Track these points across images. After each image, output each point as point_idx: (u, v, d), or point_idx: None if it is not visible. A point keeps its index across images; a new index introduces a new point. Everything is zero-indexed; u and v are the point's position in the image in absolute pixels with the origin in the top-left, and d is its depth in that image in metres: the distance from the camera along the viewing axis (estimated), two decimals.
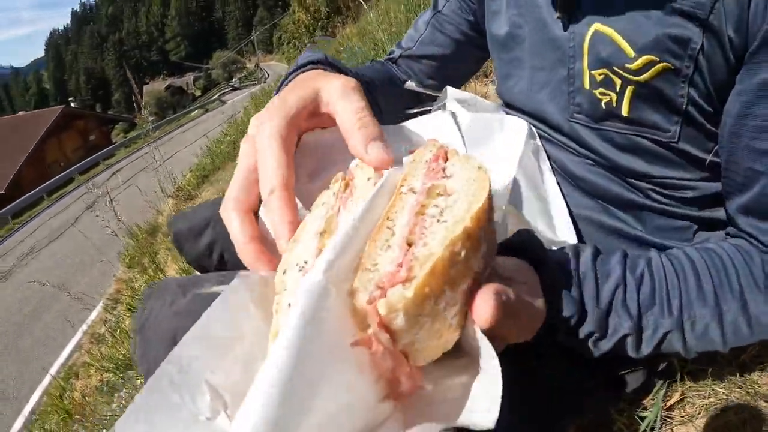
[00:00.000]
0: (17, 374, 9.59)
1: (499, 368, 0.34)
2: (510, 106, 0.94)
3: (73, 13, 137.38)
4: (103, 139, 45.53)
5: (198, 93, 77.15)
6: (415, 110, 0.97)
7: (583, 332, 0.57)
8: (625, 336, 0.58)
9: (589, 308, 0.56)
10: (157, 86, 75.85)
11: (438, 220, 0.36)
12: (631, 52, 0.64)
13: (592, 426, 0.97)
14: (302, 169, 0.52)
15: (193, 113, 42.07)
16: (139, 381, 2.24)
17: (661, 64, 0.63)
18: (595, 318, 0.56)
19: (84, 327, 7.30)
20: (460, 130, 0.70)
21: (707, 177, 0.70)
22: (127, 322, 3.67)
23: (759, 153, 0.58)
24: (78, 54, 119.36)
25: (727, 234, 0.68)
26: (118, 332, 3.59)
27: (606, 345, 0.58)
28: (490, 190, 0.38)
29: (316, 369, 0.33)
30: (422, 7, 7.48)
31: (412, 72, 1.07)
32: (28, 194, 26.05)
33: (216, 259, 0.94)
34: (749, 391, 0.98)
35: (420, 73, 1.07)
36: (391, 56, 1.09)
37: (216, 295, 0.41)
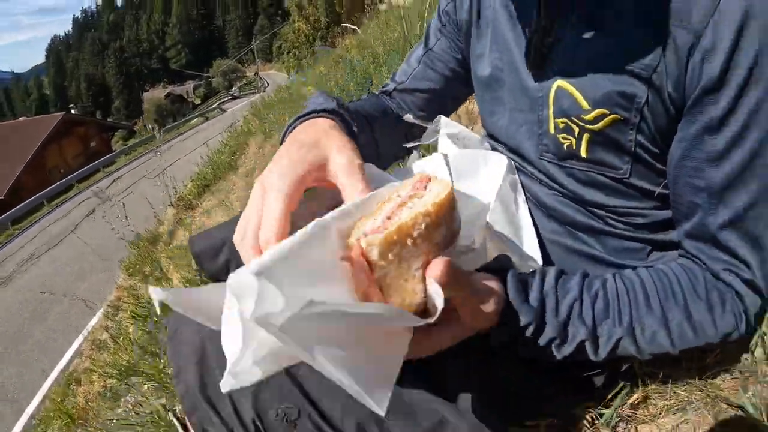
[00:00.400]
0: (17, 378, 9.65)
1: (442, 306, 0.50)
2: (493, 138, 1.03)
3: (75, 20, 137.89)
4: (103, 146, 45.60)
5: (198, 101, 77.40)
6: (410, 145, 1.07)
7: (544, 339, 0.68)
8: (582, 341, 0.69)
9: (549, 319, 0.67)
10: (157, 94, 76.20)
11: (410, 208, 0.52)
12: (586, 106, 0.75)
13: (558, 425, 1.07)
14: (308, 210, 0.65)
15: (192, 121, 42.26)
16: (146, 386, 2.33)
17: (612, 116, 0.73)
18: (555, 327, 0.68)
19: (84, 333, 7.38)
20: (449, 166, 0.81)
21: (657, 206, 0.81)
22: (130, 329, 3.71)
23: (697, 189, 0.70)
24: (79, 60, 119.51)
25: (679, 254, 0.79)
26: (121, 339, 3.65)
27: (567, 349, 0.69)
28: (451, 194, 0.53)
29: (315, 256, 0.49)
30: (419, 21, 7.62)
31: (405, 104, 1.16)
32: (28, 200, 26.08)
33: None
34: (710, 393, 1.07)
35: (412, 105, 1.16)
36: (385, 89, 1.18)
37: None
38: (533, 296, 0.68)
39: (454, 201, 0.54)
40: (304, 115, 0.80)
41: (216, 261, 1.04)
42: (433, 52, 1.12)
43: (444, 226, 0.53)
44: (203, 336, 0.78)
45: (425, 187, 0.56)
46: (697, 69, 0.65)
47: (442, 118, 1.05)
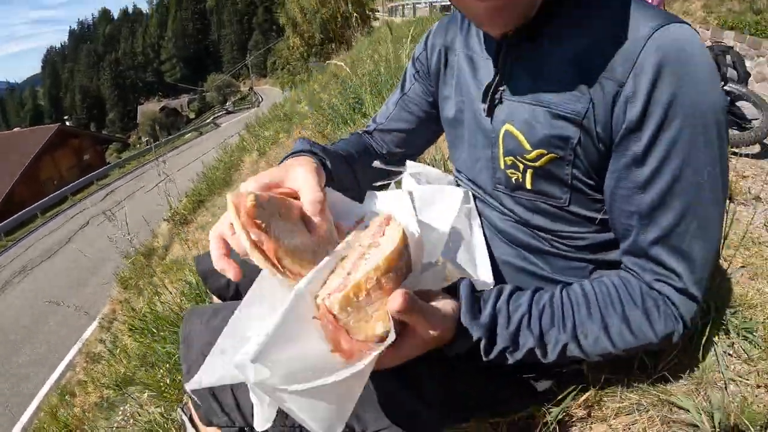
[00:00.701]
0: (9, 390, 9.64)
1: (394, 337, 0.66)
2: (458, 171, 1.19)
3: (71, 32, 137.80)
4: (97, 158, 45.55)
5: (192, 115, 77.25)
6: (380, 183, 1.23)
7: (497, 349, 0.82)
8: (531, 348, 0.83)
9: (500, 331, 0.82)
10: (151, 107, 75.92)
11: (367, 260, 0.68)
12: (528, 147, 0.90)
13: (517, 422, 1.21)
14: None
15: (186, 136, 42.29)
16: (145, 394, 2.42)
17: (550, 155, 0.88)
18: (506, 337, 0.82)
19: (79, 345, 7.43)
20: (413, 200, 0.96)
21: (597, 230, 0.95)
22: (126, 341, 3.80)
23: (629, 213, 0.84)
24: (74, 72, 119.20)
25: (620, 269, 0.93)
26: (117, 351, 3.74)
27: (518, 355, 0.84)
28: (403, 236, 0.69)
29: (296, 328, 0.65)
30: (409, 40, 7.74)
31: (384, 142, 1.32)
32: (22, 212, 26.04)
33: (232, 290, 1.23)
34: (660, 397, 1.22)
35: (390, 143, 1.32)
36: (367, 129, 1.34)
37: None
38: (486, 312, 0.83)
39: (406, 239, 0.69)
40: (288, 155, 0.98)
41: (219, 280, 1.22)
42: (407, 96, 1.27)
43: (396, 266, 0.67)
44: (210, 340, 0.91)
45: (383, 233, 0.72)
46: (622, 112, 0.79)
47: (407, 161, 1.20)
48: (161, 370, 2.11)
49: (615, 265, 0.95)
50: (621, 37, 0.79)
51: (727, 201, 2.24)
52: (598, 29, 0.82)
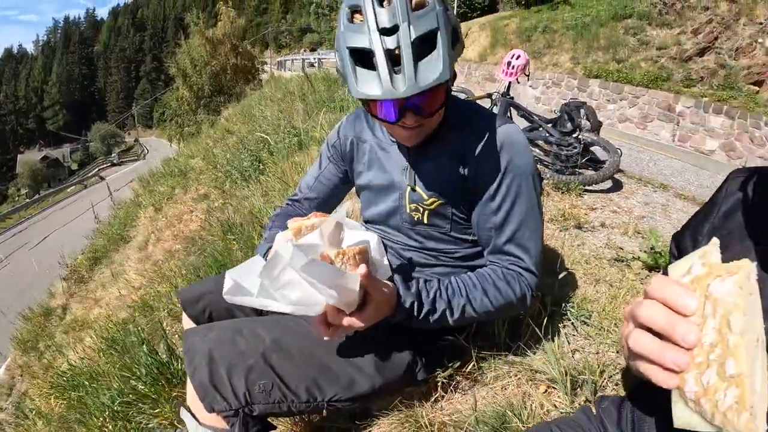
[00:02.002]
0: None
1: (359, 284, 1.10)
2: (369, 222, 1.66)
3: None
4: None
5: (75, 166, 73.14)
6: None
7: (423, 311, 1.29)
8: (444, 310, 1.33)
9: (424, 298, 1.30)
10: (32, 156, 71.23)
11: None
12: (425, 197, 1.44)
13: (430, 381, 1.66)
14: None
15: (69, 189, 40.04)
16: None
17: (439, 201, 1.43)
18: (428, 302, 1.30)
19: None
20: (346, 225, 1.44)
21: (467, 247, 1.52)
22: (38, 402, 3.78)
23: (489, 228, 1.42)
24: None
25: (487, 263, 1.48)
26: (32, 415, 3.55)
27: (436, 316, 1.31)
28: (365, 248, 1.16)
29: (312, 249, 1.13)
30: (295, 88, 8.14)
31: (309, 207, 1.73)
32: None
33: (206, 317, 1.61)
34: (524, 364, 1.74)
35: (312, 207, 1.73)
36: (296, 198, 1.76)
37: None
38: (413, 289, 1.30)
39: (368, 249, 1.18)
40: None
41: (196, 307, 1.62)
42: (323, 172, 1.71)
43: (364, 257, 1.13)
44: (211, 347, 1.29)
45: (358, 247, 1.16)
46: (482, 173, 1.37)
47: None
48: (98, 420, 2.24)
49: (478, 268, 1.51)
50: (481, 133, 1.37)
51: (577, 229, 2.94)
52: (467, 129, 1.40)
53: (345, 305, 1.12)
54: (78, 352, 3.46)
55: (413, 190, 1.45)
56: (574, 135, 4.80)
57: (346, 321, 1.13)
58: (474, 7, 24.37)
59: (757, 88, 12.21)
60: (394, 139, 1.48)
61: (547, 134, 4.89)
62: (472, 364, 1.70)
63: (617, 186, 4.65)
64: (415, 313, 1.28)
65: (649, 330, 0.59)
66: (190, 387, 1.30)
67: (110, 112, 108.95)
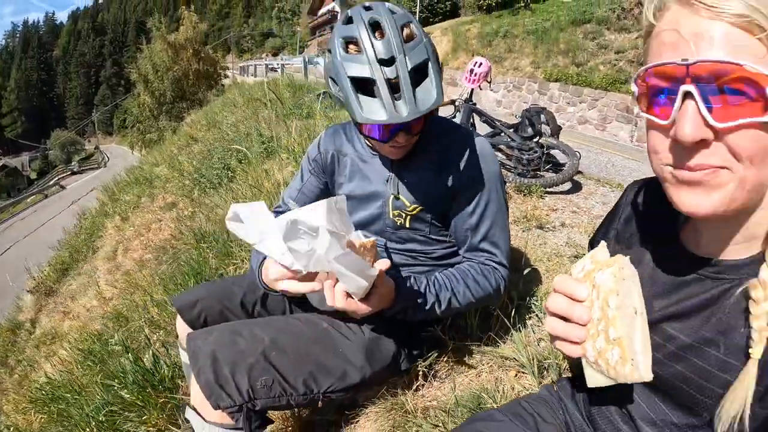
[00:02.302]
0: None
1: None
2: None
3: None
4: None
5: (34, 175, 71.26)
6: None
7: (414, 302, 1.46)
8: (433, 302, 1.48)
9: (417, 293, 1.45)
10: None
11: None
12: (408, 204, 1.57)
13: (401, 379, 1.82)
14: None
15: (29, 199, 39.01)
16: None
17: (420, 207, 1.57)
18: (420, 297, 1.46)
19: None
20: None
21: (444, 248, 1.68)
22: (17, 420, 3.70)
23: (465, 229, 1.60)
24: None
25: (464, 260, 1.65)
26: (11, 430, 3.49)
27: (426, 306, 1.50)
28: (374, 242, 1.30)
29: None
30: (260, 93, 8.16)
31: None
32: None
33: (201, 321, 1.70)
34: (495, 352, 1.91)
35: None
36: (280, 210, 1.81)
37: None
38: (408, 284, 1.46)
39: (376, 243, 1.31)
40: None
41: (192, 313, 1.71)
42: (305, 185, 1.81)
43: (374, 251, 1.29)
44: (213, 348, 1.38)
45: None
46: (455, 179, 1.53)
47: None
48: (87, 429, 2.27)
49: (451, 266, 1.67)
50: (458, 146, 1.57)
51: (539, 229, 3.13)
52: (444, 142, 1.56)
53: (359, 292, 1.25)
54: (54, 365, 3.44)
55: (396, 198, 1.59)
56: (535, 140, 4.97)
57: (354, 306, 1.27)
58: (436, 12, 24.58)
59: None
60: (374, 153, 1.62)
61: (509, 139, 5.05)
62: (448, 354, 1.88)
63: (577, 187, 4.84)
64: (410, 307, 1.46)
65: (559, 316, 0.79)
66: (194, 387, 1.38)
67: (70, 119, 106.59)
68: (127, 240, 6.98)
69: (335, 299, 1.24)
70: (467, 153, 1.56)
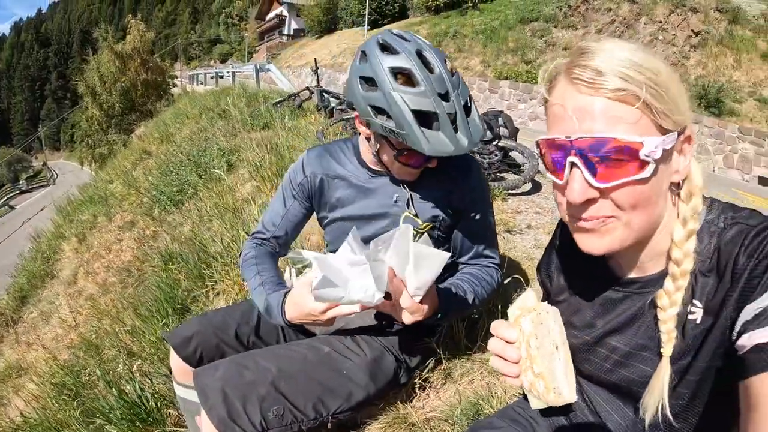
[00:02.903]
0: None
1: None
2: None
3: None
4: None
5: None
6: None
7: (455, 306, 1.57)
8: (464, 304, 1.60)
9: (453, 297, 1.57)
10: None
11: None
12: (420, 222, 1.63)
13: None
14: None
15: None
16: None
17: (430, 224, 1.64)
18: (456, 300, 1.58)
19: None
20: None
21: (455, 251, 1.76)
22: None
23: (468, 241, 1.70)
24: None
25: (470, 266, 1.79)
26: None
27: (461, 307, 1.61)
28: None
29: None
30: (212, 104, 8.05)
31: (277, 244, 1.83)
32: None
33: (197, 357, 1.69)
34: (484, 360, 2.02)
35: (281, 244, 1.83)
36: (264, 237, 1.83)
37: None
38: (444, 289, 1.57)
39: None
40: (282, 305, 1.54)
41: (187, 349, 1.70)
42: (289, 210, 1.81)
43: None
44: (222, 383, 1.40)
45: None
46: (460, 199, 1.65)
47: (303, 250, 1.77)
48: None
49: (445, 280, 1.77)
50: (456, 166, 1.67)
51: (507, 233, 3.23)
52: (444, 164, 1.62)
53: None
54: (27, 402, 3.33)
55: (412, 216, 1.65)
56: (494, 143, 5.04)
57: (420, 308, 1.34)
58: (384, 14, 24.75)
59: None
60: (373, 174, 1.69)
61: None
62: (442, 365, 1.96)
63: (537, 188, 4.94)
64: (451, 310, 1.56)
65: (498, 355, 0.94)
66: (206, 424, 1.38)
67: (15, 135, 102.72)
68: (87, 263, 6.79)
69: (405, 302, 1.30)
70: (470, 174, 1.70)
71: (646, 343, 0.92)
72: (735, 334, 0.76)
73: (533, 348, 0.89)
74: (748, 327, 0.73)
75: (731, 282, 0.79)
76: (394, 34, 1.43)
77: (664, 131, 0.77)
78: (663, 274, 0.88)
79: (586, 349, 1.04)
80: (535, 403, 0.95)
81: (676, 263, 0.84)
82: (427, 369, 1.92)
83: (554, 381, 0.87)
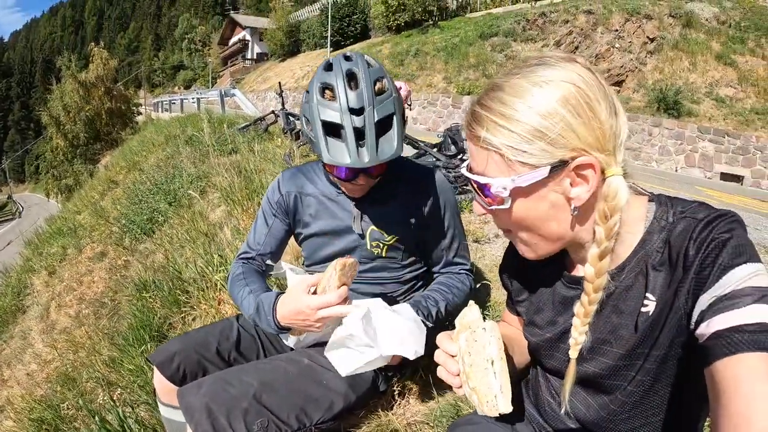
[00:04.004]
0: None
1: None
2: (322, 263, 1.85)
3: None
4: None
5: None
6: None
7: (433, 319, 1.67)
8: (438, 315, 1.69)
9: (428, 314, 1.68)
10: None
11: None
12: (386, 236, 1.70)
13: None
14: None
15: None
16: None
17: (396, 238, 1.70)
18: (432, 315, 1.68)
19: None
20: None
21: (410, 271, 1.85)
22: None
23: (440, 249, 1.84)
24: None
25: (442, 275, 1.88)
26: None
27: (438, 319, 1.69)
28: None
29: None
30: (178, 130, 8.00)
31: (261, 260, 1.86)
32: None
33: (181, 374, 1.70)
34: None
35: (263, 260, 1.86)
36: (249, 256, 1.86)
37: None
38: (420, 310, 1.66)
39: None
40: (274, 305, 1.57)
41: (171, 367, 1.71)
42: (273, 227, 1.87)
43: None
44: (206, 401, 1.42)
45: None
46: (422, 211, 1.71)
47: (282, 262, 1.85)
48: None
49: (418, 289, 1.89)
50: (416, 181, 1.74)
51: (476, 243, 3.42)
52: (403, 179, 1.72)
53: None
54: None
55: (373, 229, 1.73)
56: (459, 156, 5.16)
57: None
58: (347, 35, 24.94)
59: (617, 88, 13.43)
60: (339, 191, 1.75)
61: (435, 159, 5.22)
62: (420, 371, 2.01)
63: None
64: (428, 324, 1.64)
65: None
66: None
67: None
68: (59, 296, 6.63)
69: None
70: (429, 185, 1.76)
71: (606, 338, 0.96)
72: (693, 323, 0.81)
73: (467, 364, 0.95)
74: (705, 316, 0.77)
75: (683, 273, 0.83)
76: (346, 56, 1.52)
77: (532, 168, 0.85)
78: (613, 272, 0.94)
79: (549, 345, 1.11)
80: (479, 411, 0.99)
81: (588, 279, 0.90)
82: (405, 376, 1.98)
83: (488, 395, 0.92)
